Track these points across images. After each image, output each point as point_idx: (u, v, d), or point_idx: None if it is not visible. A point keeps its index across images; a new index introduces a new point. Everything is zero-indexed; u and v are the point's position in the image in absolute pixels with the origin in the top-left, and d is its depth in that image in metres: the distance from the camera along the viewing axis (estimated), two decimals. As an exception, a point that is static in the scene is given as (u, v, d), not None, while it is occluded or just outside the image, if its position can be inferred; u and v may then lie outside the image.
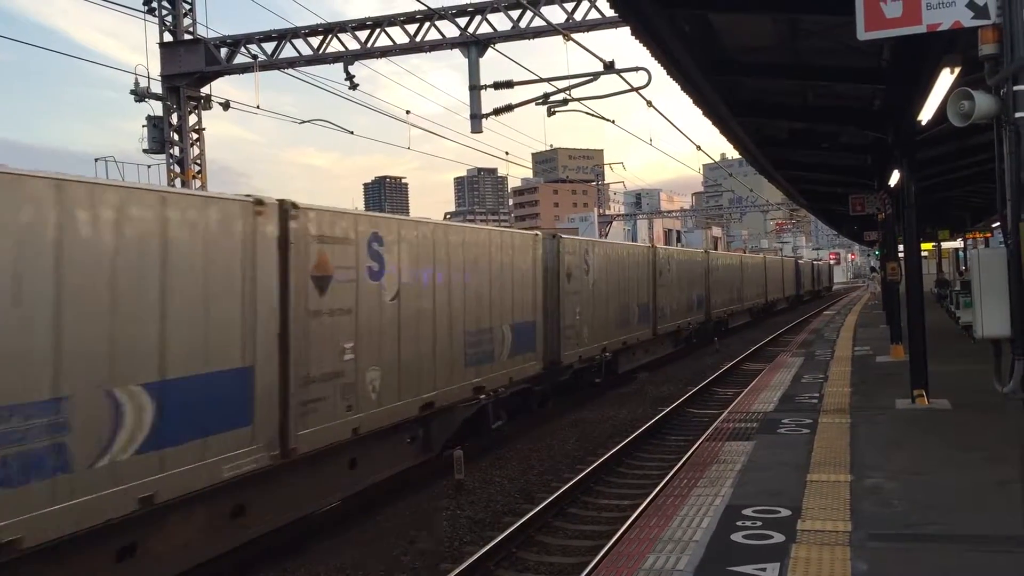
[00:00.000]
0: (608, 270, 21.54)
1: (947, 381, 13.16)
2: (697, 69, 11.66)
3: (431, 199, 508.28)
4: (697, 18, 10.85)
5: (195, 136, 22.48)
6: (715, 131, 15.97)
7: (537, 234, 17.94)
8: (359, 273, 10.80)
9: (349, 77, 20.06)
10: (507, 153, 29.92)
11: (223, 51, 21.75)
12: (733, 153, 22.82)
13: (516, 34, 18.95)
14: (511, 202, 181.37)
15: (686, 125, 17.33)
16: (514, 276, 15.90)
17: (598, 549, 9.04)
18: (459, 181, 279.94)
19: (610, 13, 16.87)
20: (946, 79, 8.52)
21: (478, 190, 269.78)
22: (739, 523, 6.95)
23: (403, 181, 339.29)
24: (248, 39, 21.51)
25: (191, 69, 21.68)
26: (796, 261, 72.03)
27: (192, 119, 22.39)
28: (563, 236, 19.45)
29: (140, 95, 21.10)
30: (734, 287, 39.06)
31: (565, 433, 16.18)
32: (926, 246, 35.33)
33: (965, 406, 11.65)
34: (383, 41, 20.19)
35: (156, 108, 21.87)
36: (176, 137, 22.13)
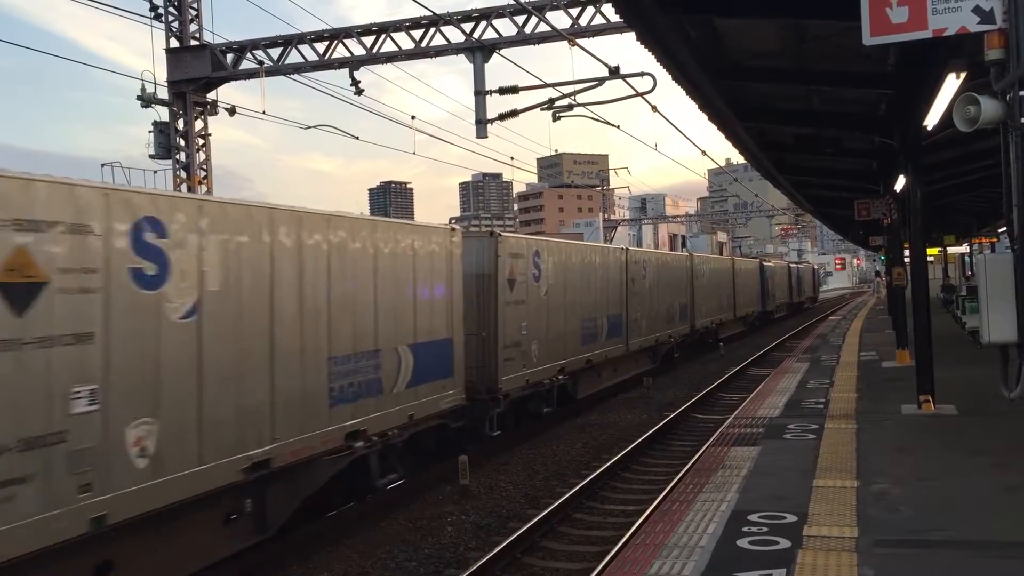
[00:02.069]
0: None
1: (953, 386, 13.12)
2: (702, 74, 11.66)
3: (436, 204, 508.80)
4: (702, 23, 10.85)
5: (201, 141, 22.52)
6: (720, 136, 15.98)
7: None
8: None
9: (355, 82, 20.07)
10: (512, 158, 29.82)
11: (229, 57, 21.77)
12: (738, 158, 22.84)
13: (521, 39, 18.92)
14: (516, 207, 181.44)
15: (691, 130, 17.50)
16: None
17: (604, 555, 9.03)
18: (464, 186, 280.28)
19: (615, 18, 16.89)
20: (952, 84, 8.51)
21: (483, 195, 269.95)
22: (745, 528, 6.93)
23: (408, 186, 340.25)
24: (254, 45, 21.52)
25: (197, 75, 21.69)
26: (760, 263, 48.07)
27: (198, 124, 22.42)
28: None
29: (147, 101, 21.11)
30: (594, 312, 19.81)
31: (571, 438, 16.18)
32: (932, 251, 35.14)
33: (971, 412, 11.61)
34: (388, 47, 20.17)
35: (162, 114, 21.90)
36: (182, 143, 22.17)
